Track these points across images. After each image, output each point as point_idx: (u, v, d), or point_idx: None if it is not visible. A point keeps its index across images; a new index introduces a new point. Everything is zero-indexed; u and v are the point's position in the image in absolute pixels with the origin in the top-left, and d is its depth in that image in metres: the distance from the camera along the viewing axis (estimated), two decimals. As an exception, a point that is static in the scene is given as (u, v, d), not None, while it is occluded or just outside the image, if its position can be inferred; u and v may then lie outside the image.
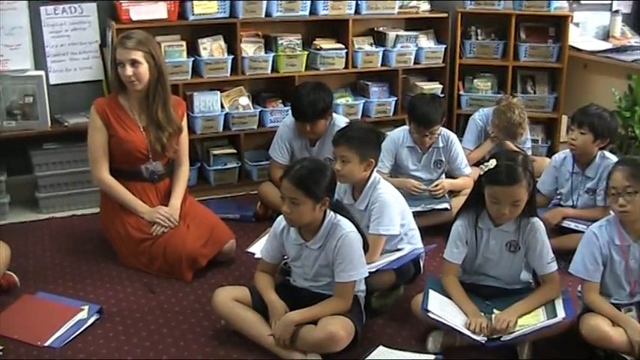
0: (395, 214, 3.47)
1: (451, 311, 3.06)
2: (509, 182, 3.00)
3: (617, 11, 6.15)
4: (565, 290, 3.14)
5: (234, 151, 4.98)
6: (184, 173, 3.96)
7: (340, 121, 4.37)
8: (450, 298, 3.13)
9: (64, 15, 4.61)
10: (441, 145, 4.42)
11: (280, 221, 3.16)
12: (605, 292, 3.07)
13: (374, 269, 3.26)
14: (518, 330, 2.94)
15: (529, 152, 4.87)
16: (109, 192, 3.80)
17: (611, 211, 3.11)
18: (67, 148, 4.53)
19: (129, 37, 3.65)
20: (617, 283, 3.07)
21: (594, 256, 3.03)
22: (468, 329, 2.95)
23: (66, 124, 4.53)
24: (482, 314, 3.04)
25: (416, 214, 3.76)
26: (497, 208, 3.05)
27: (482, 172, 3.10)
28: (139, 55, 3.62)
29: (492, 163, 3.05)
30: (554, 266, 3.12)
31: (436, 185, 4.32)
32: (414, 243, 3.58)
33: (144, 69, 3.64)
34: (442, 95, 5.36)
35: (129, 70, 3.62)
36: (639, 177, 2.93)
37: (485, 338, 2.93)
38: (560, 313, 2.95)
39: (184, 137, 3.94)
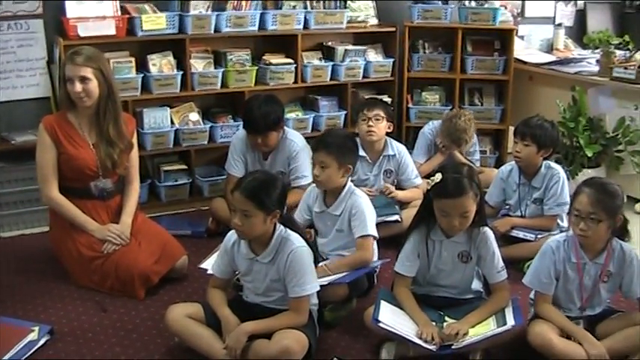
0: (372, 217, 3.59)
1: (402, 321, 3.09)
2: (456, 194, 3.04)
3: (560, 24, 6.31)
4: (515, 298, 3.20)
5: (185, 167, 4.97)
6: (135, 190, 3.93)
7: (293, 135, 4.40)
8: (402, 309, 3.16)
9: (10, 31, 4.55)
10: (390, 153, 4.48)
11: (231, 236, 3.16)
12: (556, 303, 3.13)
13: (326, 282, 3.28)
14: (469, 338, 2.98)
15: (477, 163, 4.96)
16: (58, 210, 3.75)
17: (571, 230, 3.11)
18: (14, 166, 4.46)
19: (78, 53, 3.62)
20: (569, 297, 3.13)
21: (549, 271, 3.09)
22: (420, 338, 2.98)
23: (13, 142, 4.47)
24: (434, 323, 3.08)
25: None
26: (447, 221, 3.09)
27: (429, 187, 3.14)
28: (88, 72, 3.59)
29: (438, 177, 3.09)
30: (504, 275, 3.18)
31: (387, 187, 4.38)
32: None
33: (93, 85, 3.61)
34: (392, 108, 5.42)
35: (78, 87, 3.58)
36: (604, 204, 2.93)
37: (436, 346, 2.96)
38: (510, 321, 3.01)
39: (135, 154, 3.92)
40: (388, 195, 4.37)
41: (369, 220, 3.53)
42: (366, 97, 5.38)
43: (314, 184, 3.70)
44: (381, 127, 4.40)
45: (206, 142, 4.95)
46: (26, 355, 3.12)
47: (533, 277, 3.13)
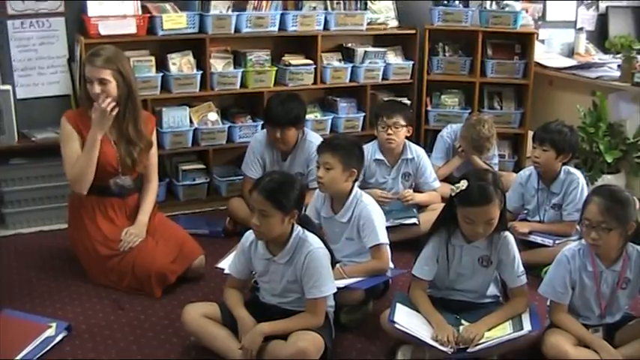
0: (383, 224, 3.55)
1: (418, 324, 3.07)
2: (482, 202, 3.02)
3: (581, 28, 6.26)
4: (532, 304, 3.18)
5: (203, 166, 4.97)
6: (153, 189, 3.93)
7: (313, 137, 4.41)
8: (418, 312, 3.15)
9: (32, 29, 4.58)
10: (409, 156, 4.46)
11: (248, 236, 3.17)
12: (574, 311, 3.10)
13: (342, 285, 3.28)
14: (484, 342, 2.96)
15: (496, 168, 4.93)
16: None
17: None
18: (34, 163, 4.49)
19: (97, 55, 3.61)
20: (587, 306, 3.10)
21: (564, 280, 3.06)
22: (435, 341, 2.97)
23: (33, 139, 4.49)
24: (450, 326, 3.06)
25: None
26: (471, 228, 3.07)
27: (453, 194, 3.10)
28: (107, 74, 3.58)
29: (464, 184, 3.05)
30: (524, 279, 3.16)
31: (405, 194, 4.36)
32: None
33: (112, 87, 3.61)
34: (411, 110, 5.41)
35: (97, 89, 3.59)
36: (614, 213, 2.90)
37: (452, 350, 2.95)
38: (527, 326, 2.99)
39: (154, 152, 3.93)
40: (406, 202, 4.34)
41: (379, 228, 3.49)
42: (385, 98, 5.39)
43: None
44: (400, 134, 4.38)
45: (224, 142, 4.96)
46: (43, 351, 3.14)
47: (548, 287, 3.11)
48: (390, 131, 4.35)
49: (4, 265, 4.02)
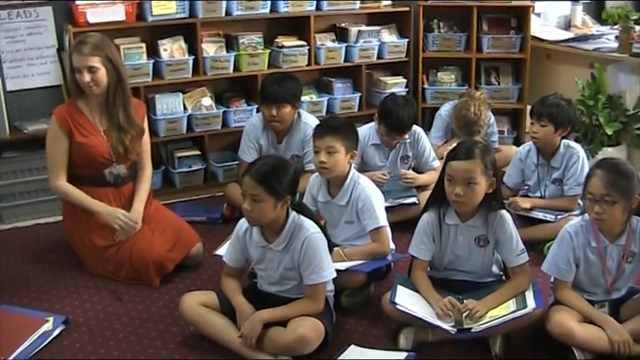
0: (381, 206, 3.49)
1: (420, 304, 3.04)
2: (464, 157, 3.00)
3: (577, 0, 6.18)
4: (535, 281, 3.12)
5: (199, 152, 4.92)
6: (147, 177, 3.89)
7: (308, 118, 4.36)
8: (419, 293, 3.11)
9: (19, 19, 4.50)
10: (407, 140, 4.40)
11: (242, 223, 3.11)
12: (579, 288, 3.05)
13: (343, 268, 3.23)
14: (488, 321, 2.92)
15: (495, 145, 4.86)
16: (66, 198, 3.74)
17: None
18: (27, 155, 4.43)
19: (84, 43, 3.57)
20: (593, 281, 3.05)
21: (567, 257, 3.00)
22: (437, 318, 2.94)
23: (25, 131, 4.43)
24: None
25: (385, 209, 3.72)
26: (452, 189, 3.02)
27: (444, 157, 3.12)
28: (95, 61, 3.54)
29: (454, 145, 3.09)
30: (524, 257, 3.11)
31: (407, 173, 4.32)
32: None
33: (101, 74, 3.57)
34: (407, 89, 5.36)
35: (86, 77, 3.54)
36: (618, 186, 2.84)
37: (455, 329, 2.91)
38: (531, 304, 2.94)
39: (146, 140, 3.88)
40: (409, 183, 4.29)
41: (378, 211, 3.43)
42: (380, 78, 5.32)
43: (316, 174, 3.60)
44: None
45: (219, 128, 4.90)
46: (41, 346, 3.11)
47: (552, 264, 3.05)
48: (395, 140, 4.35)
49: (0, 260, 3.97)
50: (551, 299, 3.11)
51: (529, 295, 3.01)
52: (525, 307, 2.94)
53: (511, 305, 2.99)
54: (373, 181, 4.05)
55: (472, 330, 2.91)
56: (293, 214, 3.03)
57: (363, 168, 4.37)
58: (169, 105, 4.74)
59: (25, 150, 4.43)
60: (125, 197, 3.79)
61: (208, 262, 3.80)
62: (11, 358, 3.01)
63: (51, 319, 3.25)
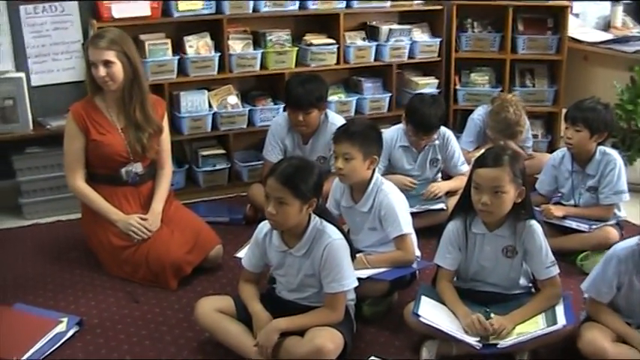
0: (406, 213, 3.37)
1: (444, 317, 2.92)
2: (491, 164, 2.87)
3: (618, 0, 6.01)
4: (566, 295, 2.99)
5: (224, 151, 4.83)
6: (167, 176, 3.81)
7: (335, 118, 4.25)
8: (444, 304, 2.99)
9: (45, 14, 4.46)
10: (437, 142, 4.28)
11: (262, 227, 3.01)
12: (616, 310, 2.88)
13: (365, 277, 3.12)
14: (515, 337, 2.79)
15: (530, 151, 4.71)
16: (83, 200, 3.69)
17: None
18: (50, 151, 4.38)
19: (101, 37, 3.51)
20: (631, 307, 2.86)
21: (611, 282, 2.82)
22: (464, 332, 2.81)
23: (48, 127, 4.39)
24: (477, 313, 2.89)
25: (411, 215, 3.60)
26: (478, 197, 2.89)
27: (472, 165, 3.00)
28: (111, 56, 3.48)
29: (483, 151, 2.96)
30: (554, 270, 2.96)
31: (430, 189, 4.17)
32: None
33: (117, 69, 3.50)
34: (438, 90, 5.23)
35: (102, 71, 3.48)
36: None
37: (480, 344, 2.78)
38: (561, 320, 2.81)
39: (165, 138, 3.80)
40: (434, 196, 4.15)
41: (401, 218, 3.30)
42: (411, 78, 5.19)
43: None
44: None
45: (245, 126, 4.81)
46: (54, 347, 3.05)
47: (592, 286, 2.88)
48: (423, 140, 4.21)
49: (19, 257, 3.93)
50: (583, 315, 2.96)
51: (559, 311, 2.87)
52: (555, 323, 2.79)
53: (540, 321, 2.85)
54: (401, 185, 3.96)
55: (498, 346, 2.78)
56: (315, 218, 2.92)
57: (391, 171, 4.27)
58: (194, 102, 4.67)
59: (48, 146, 4.38)
60: (144, 197, 3.72)
61: (228, 265, 3.71)
62: (23, 359, 2.95)
63: (65, 319, 3.19)
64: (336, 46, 4.94)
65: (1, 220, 4.38)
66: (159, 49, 4.50)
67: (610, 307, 2.87)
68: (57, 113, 4.46)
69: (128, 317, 3.30)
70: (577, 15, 5.82)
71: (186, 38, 4.61)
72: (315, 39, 4.94)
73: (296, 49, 4.86)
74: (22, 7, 4.39)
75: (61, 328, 3.14)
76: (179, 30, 4.63)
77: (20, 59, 4.45)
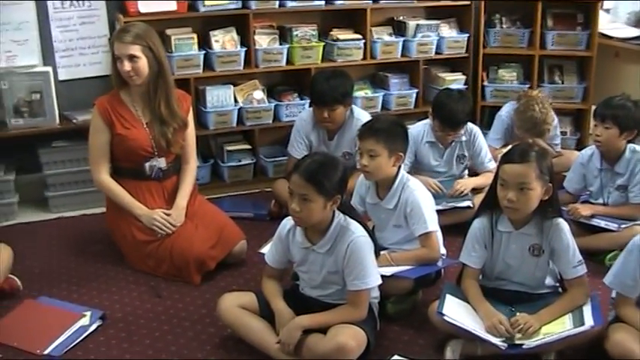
0: (431, 210, 3.33)
1: (469, 316, 2.88)
2: (518, 160, 2.83)
3: (649, -4, 5.91)
4: (594, 295, 2.93)
5: (249, 146, 4.82)
6: (191, 171, 3.81)
7: (360, 114, 4.22)
8: (469, 303, 2.94)
9: (72, 9, 4.48)
10: (463, 139, 4.23)
11: (286, 223, 2.99)
12: None
13: (389, 274, 3.09)
14: (542, 338, 2.74)
15: (558, 148, 4.64)
16: (107, 194, 3.70)
17: None
18: (76, 145, 4.38)
19: (126, 31, 3.51)
20: None
21: (635, 273, 2.77)
22: (487, 332, 2.77)
23: (75, 120, 4.40)
24: (500, 313, 2.86)
25: (437, 212, 3.56)
26: (504, 194, 2.85)
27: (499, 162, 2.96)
28: (136, 50, 3.48)
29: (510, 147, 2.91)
30: (581, 269, 2.91)
31: (456, 187, 4.12)
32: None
33: (142, 63, 3.50)
34: (466, 86, 5.17)
35: (127, 66, 3.48)
36: None
37: (506, 344, 2.74)
38: (588, 321, 2.75)
39: (190, 132, 3.80)
40: (459, 195, 4.11)
41: (427, 215, 3.26)
42: (438, 74, 5.13)
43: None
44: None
45: (271, 121, 4.79)
46: (77, 341, 3.06)
47: (615, 278, 2.83)
48: (450, 135, 4.18)
49: (45, 249, 3.95)
50: (611, 315, 2.90)
51: (587, 311, 2.81)
52: (582, 324, 2.74)
53: (567, 322, 2.80)
54: (427, 187, 3.91)
55: (524, 346, 2.74)
56: (339, 215, 2.89)
57: (418, 167, 4.23)
58: (220, 97, 4.66)
59: (75, 140, 4.39)
60: (168, 191, 3.72)
61: (252, 260, 3.69)
62: (47, 351, 2.98)
63: (88, 313, 3.20)
64: (363, 41, 4.90)
65: (27, 213, 4.40)
66: (185, 44, 4.49)
67: (638, 303, 2.82)
68: (83, 107, 4.46)
69: (151, 312, 3.30)
70: (607, 11, 5.74)
71: (212, 33, 4.59)
72: (341, 34, 4.91)
73: (322, 44, 4.83)
74: (49, 3, 4.42)
75: (84, 321, 3.16)
76: (205, 25, 4.62)
77: (47, 54, 4.48)
